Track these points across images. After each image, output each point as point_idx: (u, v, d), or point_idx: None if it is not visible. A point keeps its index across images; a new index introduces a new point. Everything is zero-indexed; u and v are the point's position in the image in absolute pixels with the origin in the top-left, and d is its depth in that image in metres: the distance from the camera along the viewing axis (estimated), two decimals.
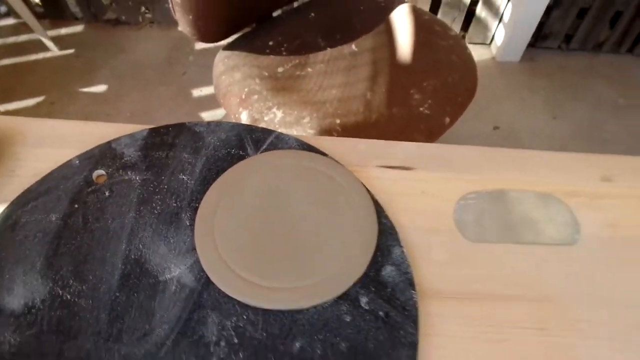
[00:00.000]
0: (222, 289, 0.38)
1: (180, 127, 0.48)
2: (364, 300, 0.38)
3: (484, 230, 0.43)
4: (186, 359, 0.35)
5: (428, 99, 1.03)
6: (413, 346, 0.36)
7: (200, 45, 1.79)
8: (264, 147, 0.47)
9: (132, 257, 0.40)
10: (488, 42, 1.84)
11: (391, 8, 1.21)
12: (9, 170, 0.46)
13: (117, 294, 0.38)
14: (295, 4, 1.28)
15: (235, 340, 0.36)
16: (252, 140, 0.47)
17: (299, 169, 0.45)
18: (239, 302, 0.38)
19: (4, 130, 0.49)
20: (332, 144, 0.49)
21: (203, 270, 0.39)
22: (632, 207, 0.46)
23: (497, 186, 0.46)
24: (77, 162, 0.45)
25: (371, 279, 0.40)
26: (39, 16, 1.75)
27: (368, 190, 0.44)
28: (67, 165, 0.45)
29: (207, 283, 0.39)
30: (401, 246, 0.41)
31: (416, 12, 1.18)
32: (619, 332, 0.39)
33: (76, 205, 0.42)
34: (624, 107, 1.69)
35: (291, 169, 0.45)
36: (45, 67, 1.70)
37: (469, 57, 1.12)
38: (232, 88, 0.99)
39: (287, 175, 0.45)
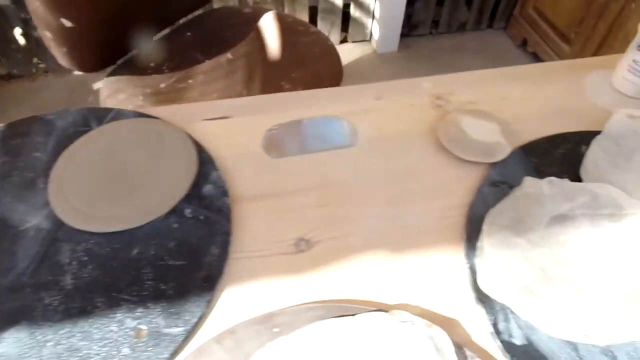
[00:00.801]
0: (72, 224, 0.48)
1: (33, 119, 0.58)
2: (187, 211, 0.50)
3: (285, 148, 0.56)
4: (44, 279, 0.45)
5: (297, 86, 1.16)
6: (227, 233, 0.48)
7: (97, 85, 1.87)
8: (106, 121, 0.58)
9: None
10: (368, 38, 2.05)
11: (258, 17, 1.36)
12: None
13: None
14: (172, 28, 1.39)
15: (85, 258, 0.46)
16: (95, 118, 0.58)
17: (133, 131, 0.56)
18: (87, 232, 0.48)
19: None
20: (166, 111, 0.60)
21: (56, 216, 0.49)
22: (392, 114, 0.61)
23: (293, 119, 0.59)
24: None
25: (194, 196, 0.51)
26: None
27: (190, 136, 0.56)
28: None
29: (60, 223, 0.48)
30: (217, 170, 0.53)
31: (280, 17, 1.33)
32: (385, 197, 0.52)
33: None
34: None
35: (127, 133, 0.56)
36: None
37: (330, 48, 1.28)
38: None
39: (123, 137, 0.56)
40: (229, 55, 1.25)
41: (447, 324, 0.43)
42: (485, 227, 0.46)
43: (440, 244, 0.49)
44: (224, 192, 0.52)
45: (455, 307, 0.44)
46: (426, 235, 0.49)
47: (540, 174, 0.54)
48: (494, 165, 0.54)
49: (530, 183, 0.50)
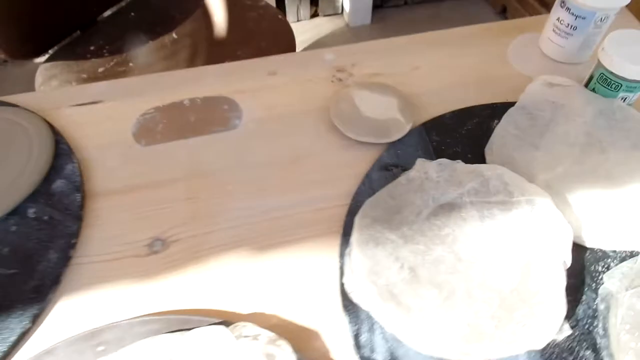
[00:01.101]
0: None
1: None
2: (31, 211, 0.44)
3: (156, 134, 0.50)
4: None
5: None
6: (72, 235, 0.42)
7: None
8: None
9: None
10: (339, 11, 1.95)
11: None
12: None
13: None
14: (115, 8, 1.31)
15: None
16: None
17: None
18: None
19: None
20: (30, 98, 0.54)
21: None
22: (285, 91, 0.54)
23: (173, 101, 0.53)
24: None
25: (41, 193, 0.45)
26: None
27: (50, 126, 0.50)
28: None
29: None
30: (74, 162, 0.47)
31: None
32: (262, 186, 0.46)
33: None
34: None
35: None
36: None
37: (281, 22, 1.20)
38: None
39: None
40: (173, 34, 1.17)
41: (305, 336, 0.37)
42: (357, 220, 0.40)
43: (316, 240, 0.43)
44: (76, 188, 0.45)
45: (319, 315, 0.38)
46: (301, 230, 0.43)
47: (440, 154, 0.47)
48: (389, 146, 0.48)
49: (418, 166, 0.43)
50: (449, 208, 0.40)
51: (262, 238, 0.43)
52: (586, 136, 0.45)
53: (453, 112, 0.50)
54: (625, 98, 0.47)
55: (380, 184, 0.44)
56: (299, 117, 0.52)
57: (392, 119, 0.48)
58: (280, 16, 1.20)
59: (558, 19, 0.53)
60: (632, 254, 0.41)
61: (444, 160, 0.42)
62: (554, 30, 0.54)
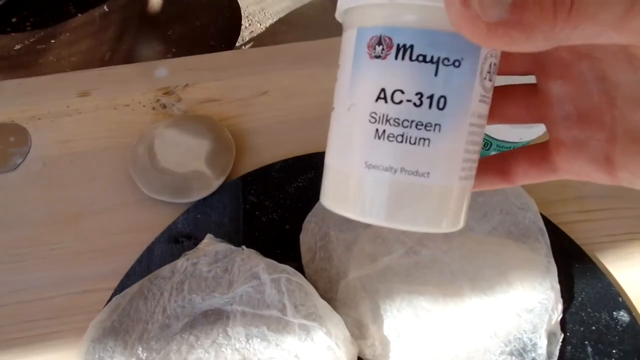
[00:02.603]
0: None
1: None
2: None
3: None
4: None
5: (171, 47, 0.97)
6: None
7: None
8: None
9: None
10: None
11: None
12: None
13: None
14: None
15: None
16: None
17: None
18: None
19: None
20: None
21: None
22: (93, 120, 0.43)
23: None
24: None
25: None
26: None
27: None
28: None
29: None
30: None
31: None
32: (5, 252, 0.36)
33: None
34: None
35: None
36: None
37: None
38: None
39: None
40: (105, 7, 1.05)
41: None
42: (89, 329, 0.30)
43: (66, 339, 0.33)
44: None
45: None
46: (51, 323, 0.34)
47: (250, 222, 0.36)
48: (191, 207, 0.37)
49: (203, 247, 0.32)
50: (214, 318, 0.30)
51: (0, 331, 0.34)
52: None
53: (287, 160, 0.39)
54: None
55: (163, 262, 0.34)
56: (99, 157, 0.41)
57: (196, 171, 0.37)
58: None
59: None
60: None
61: (222, 246, 0.32)
62: None
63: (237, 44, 1.27)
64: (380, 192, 0.16)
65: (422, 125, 0.15)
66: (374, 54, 0.15)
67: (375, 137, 0.15)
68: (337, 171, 0.17)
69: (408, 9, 0.14)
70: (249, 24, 1.64)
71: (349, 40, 0.16)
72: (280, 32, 1.61)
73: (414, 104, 0.15)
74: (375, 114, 0.15)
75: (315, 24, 1.64)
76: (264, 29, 1.64)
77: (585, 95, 0.17)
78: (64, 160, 0.41)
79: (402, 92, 0.15)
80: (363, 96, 0.15)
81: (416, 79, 0.15)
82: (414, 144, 0.15)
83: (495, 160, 0.20)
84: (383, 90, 0.15)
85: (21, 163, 0.41)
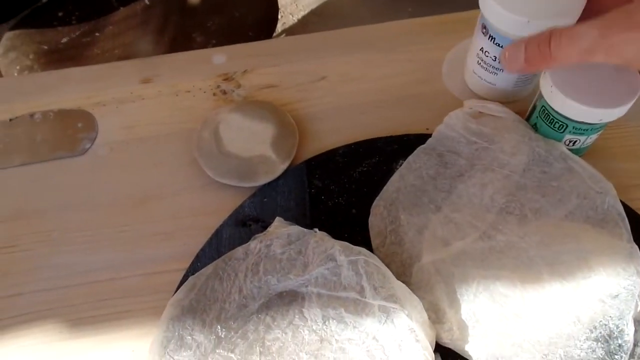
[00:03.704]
0: None
1: None
2: None
3: None
4: None
5: (211, 39, 0.98)
6: None
7: None
8: None
9: None
10: None
11: None
12: None
13: None
14: None
15: None
16: None
17: None
18: None
19: None
20: None
21: None
22: (157, 106, 0.44)
23: (23, 113, 0.44)
24: None
25: None
26: None
27: None
28: None
29: None
30: None
31: None
32: (91, 238, 0.37)
33: None
34: None
35: None
36: None
37: None
38: (7, 70, 0.95)
39: None
40: (146, 1, 1.07)
41: None
42: (167, 307, 0.31)
43: (139, 317, 0.34)
44: None
45: None
46: (125, 302, 0.34)
47: (316, 206, 0.36)
48: (257, 191, 0.37)
49: (272, 230, 0.33)
50: (289, 299, 0.30)
51: (74, 309, 0.35)
52: (507, 196, 0.33)
53: (349, 145, 0.39)
54: (575, 141, 0.34)
55: (232, 245, 0.34)
56: (163, 142, 0.41)
57: (261, 155, 0.37)
58: None
59: (482, 49, 0.37)
60: None
61: (294, 229, 0.32)
62: (479, 63, 0.39)
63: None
64: None
65: None
66: None
67: None
68: None
69: None
70: (281, 16, 1.64)
71: None
72: (312, 23, 1.61)
73: None
74: None
75: (346, 15, 1.63)
76: (296, 20, 1.63)
77: None
78: (130, 145, 0.42)
79: None
80: None
81: None
82: None
83: None
84: None
85: (89, 148, 0.42)
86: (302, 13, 1.66)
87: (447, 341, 0.29)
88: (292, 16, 1.66)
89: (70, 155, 0.41)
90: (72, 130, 0.43)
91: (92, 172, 0.41)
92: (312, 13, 1.70)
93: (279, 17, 1.66)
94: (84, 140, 0.42)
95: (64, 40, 1.02)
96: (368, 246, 0.33)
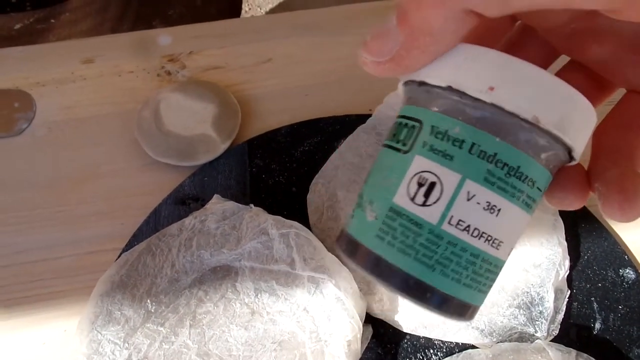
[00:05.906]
0: None
1: None
2: None
3: None
4: None
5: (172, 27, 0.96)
6: None
7: None
8: None
9: None
10: None
11: None
12: None
13: None
14: None
15: None
16: None
17: None
18: None
19: None
20: None
21: None
22: (98, 87, 0.43)
23: None
24: None
25: None
26: None
27: None
28: None
29: None
30: None
31: None
32: (10, 215, 0.36)
33: None
34: None
35: None
36: None
37: None
38: None
39: None
40: None
41: None
42: (98, 284, 0.30)
43: (74, 297, 0.33)
44: None
45: None
46: (58, 282, 0.34)
47: (257, 185, 0.36)
48: (197, 170, 0.37)
49: (209, 207, 0.32)
50: (223, 274, 0.30)
51: (5, 290, 0.34)
52: None
53: (292, 125, 0.39)
54: None
55: (171, 223, 0.34)
56: (103, 122, 0.41)
57: (202, 134, 0.37)
58: None
59: None
60: (462, 347, 0.30)
61: (230, 204, 0.32)
62: None
63: None
64: None
65: None
66: None
67: None
68: None
69: None
70: (249, 9, 1.63)
71: None
72: None
73: None
74: None
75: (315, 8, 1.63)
76: (263, 13, 1.63)
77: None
78: (69, 125, 0.41)
79: None
80: None
81: None
82: None
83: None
84: None
85: (26, 128, 0.41)
86: (270, 6, 1.65)
87: (377, 312, 0.30)
88: (260, 9, 1.65)
89: (5, 136, 0.40)
90: (8, 110, 0.42)
91: (29, 153, 0.40)
92: (281, 7, 1.69)
93: (247, 9, 1.65)
94: (20, 121, 0.41)
95: (17, 26, 0.98)
96: (306, 223, 0.34)
